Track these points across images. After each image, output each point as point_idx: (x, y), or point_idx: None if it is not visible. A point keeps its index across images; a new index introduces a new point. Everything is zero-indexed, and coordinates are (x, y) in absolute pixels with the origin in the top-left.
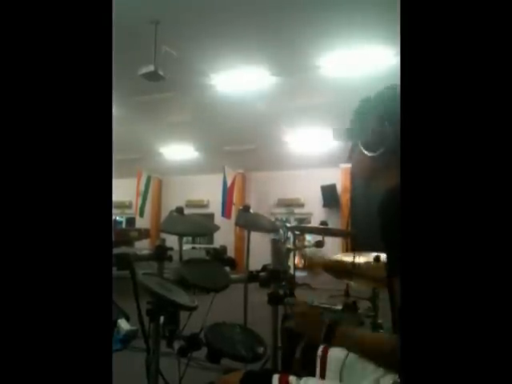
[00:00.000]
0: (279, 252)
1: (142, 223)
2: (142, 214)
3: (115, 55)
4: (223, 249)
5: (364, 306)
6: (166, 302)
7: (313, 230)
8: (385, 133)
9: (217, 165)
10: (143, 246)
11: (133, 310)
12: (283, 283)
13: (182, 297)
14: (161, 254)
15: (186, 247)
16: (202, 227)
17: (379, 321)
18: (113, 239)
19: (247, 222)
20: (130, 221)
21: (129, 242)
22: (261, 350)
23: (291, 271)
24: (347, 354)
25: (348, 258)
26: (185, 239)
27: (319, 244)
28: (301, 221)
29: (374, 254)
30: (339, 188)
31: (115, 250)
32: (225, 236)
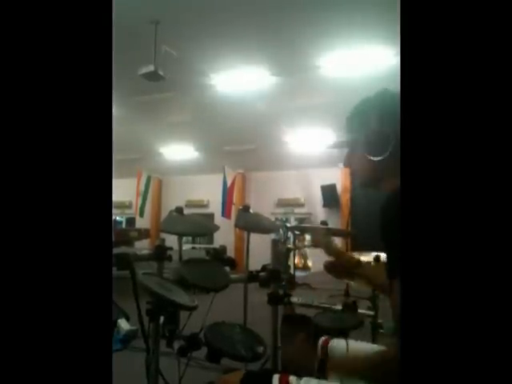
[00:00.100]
0: (279, 252)
1: (141, 223)
2: (141, 214)
3: (115, 55)
4: (223, 249)
5: (364, 305)
6: (165, 302)
7: (313, 230)
8: (388, 136)
9: (217, 165)
10: (143, 246)
11: (133, 310)
12: (283, 283)
13: (181, 297)
14: (160, 253)
15: (185, 247)
16: (202, 227)
17: (379, 321)
18: (113, 239)
19: (247, 222)
20: (130, 221)
21: (129, 242)
22: (260, 349)
23: (291, 271)
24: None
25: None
26: (184, 239)
27: None
28: (301, 221)
29: (374, 254)
30: (339, 188)
31: (115, 250)
32: (225, 236)
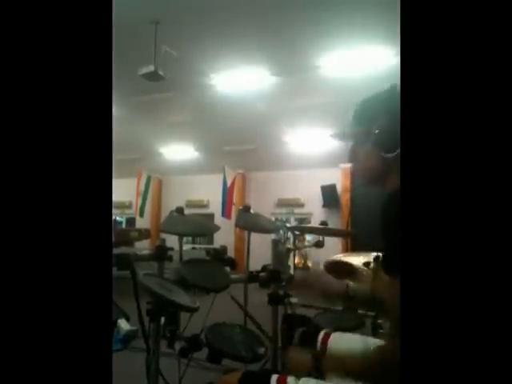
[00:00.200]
0: (279, 252)
1: (142, 223)
2: (141, 214)
3: (115, 55)
4: (223, 249)
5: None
6: (166, 303)
7: (313, 230)
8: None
9: (217, 165)
10: (143, 246)
11: (133, 310)
12: (283, 283)
13: (182, 297)
14: (161, 254)
15: (186, 247)
16: (202, 227)
17: (379, 321)
18: (113, 239)
19: (247, 222)
20: (130, 221)
21: (129, 242)
22: (261, 350)
23: (291, 271)
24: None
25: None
26: (185, 239)
27: (319, 244)
28: (301, 221)
29: (374, 254)
30: (339, 188)
31: (115, 250)
32: (225, 236)
